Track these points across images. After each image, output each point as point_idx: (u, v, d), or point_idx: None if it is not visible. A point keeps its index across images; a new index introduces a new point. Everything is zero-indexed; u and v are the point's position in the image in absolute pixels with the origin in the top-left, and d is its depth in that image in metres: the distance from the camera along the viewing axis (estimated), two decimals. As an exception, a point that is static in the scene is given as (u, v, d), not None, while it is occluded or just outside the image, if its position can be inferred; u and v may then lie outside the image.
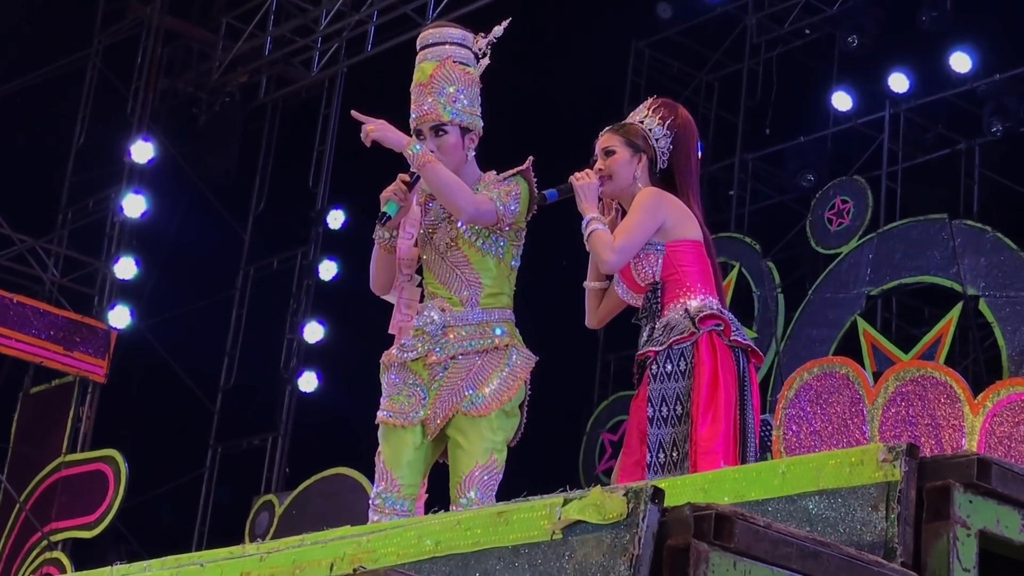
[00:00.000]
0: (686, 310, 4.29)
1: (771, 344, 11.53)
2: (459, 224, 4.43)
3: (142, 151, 12.79)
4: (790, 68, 12.92)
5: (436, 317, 4.39)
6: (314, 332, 13.01)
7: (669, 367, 4.24)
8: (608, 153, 4.55)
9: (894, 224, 11.39)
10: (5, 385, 12.54)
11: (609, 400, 12.92)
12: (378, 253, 4.53)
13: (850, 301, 11.30)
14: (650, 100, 4.64)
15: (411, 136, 4.48)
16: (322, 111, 13.39)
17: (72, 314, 12.17)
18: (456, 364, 4.38)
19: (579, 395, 13.08)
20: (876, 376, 9.13)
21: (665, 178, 4.54)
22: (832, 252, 11.62)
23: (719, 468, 3.95)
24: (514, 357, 4.41)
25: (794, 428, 9.17)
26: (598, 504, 2.17)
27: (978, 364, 10.70)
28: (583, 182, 4.49)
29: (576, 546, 2.19)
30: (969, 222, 10.90)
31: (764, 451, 9.62)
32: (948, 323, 10.71)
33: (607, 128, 4.61)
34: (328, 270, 13.22)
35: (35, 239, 12.70)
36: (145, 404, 12.76)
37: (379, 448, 4.43)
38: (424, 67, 4.52)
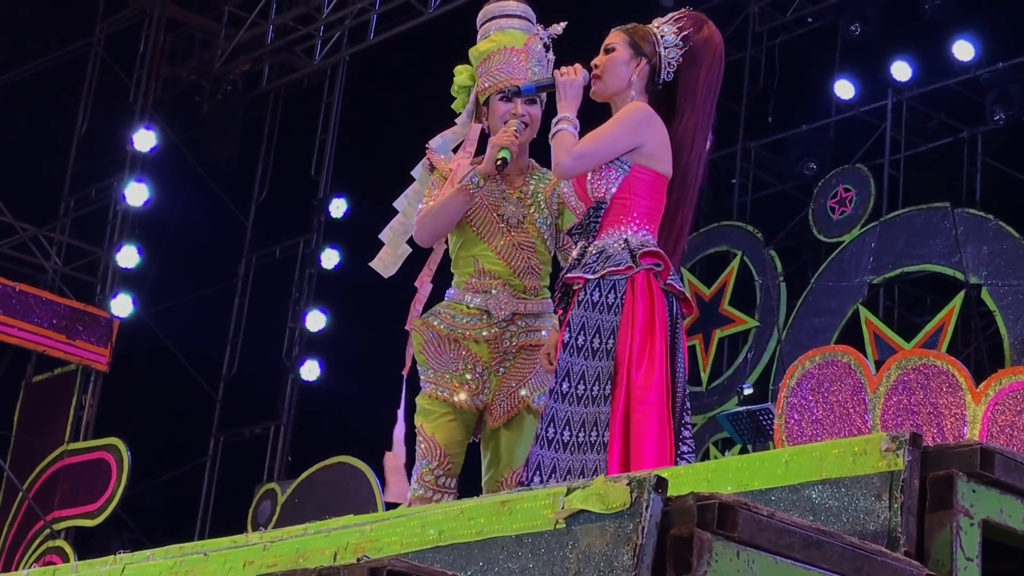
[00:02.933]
0: (626, 240, 3.91)
1: (773, 333, 11.53)
2: (529, 204, 4.38)
3: (144, 139, 12.79)
4: (792, 56, 12.90)
5: (509, 304, 4.32)
6: (316, 321, 13.02)
7: (597, 296, 3.88)
8: (608, 50, 4.11)
9: (896, 213, 11.39)
10: (7, 373, 12.56)
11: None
12: (458, 200, 4.31)
13: (852, 290, 11.31)
14: (681, 10, 4.18)
15: (489, 96, 4.42)
16: (324, 99, 13.39)
17: (75, 303, 12.18)
18: (522, 355, 4.33)
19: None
20: (878, 365, 9.13)
21: (666, 94, 4.09)
22: (834, 241, 11.63)
23: (653, 422, 3.76)
24: None
25: (796, 416, 9.16)
26: (601, 493, 2.18)
27: (980, 353, 10.71)
28: (567, 78, 4.10)
29: (580, 535, 2.19)
30: (971, 210, 10.90)
31: (765, 438, 9.62)
32: (950, 312, 10.71)
33: (619, 26, 4.19)
34: (330, 258, 13.23)
35: (37, 228, 12.71)
36: (147, 393, 12.77)
37: (423, 420, 4.32)
38: (515, 34, 4.48)
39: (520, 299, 4.34)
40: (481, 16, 4.59)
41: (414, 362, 4.48)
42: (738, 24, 12.81)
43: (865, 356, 9.49)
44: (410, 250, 4.65)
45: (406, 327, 4.47)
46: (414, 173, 4.59)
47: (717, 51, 4.11)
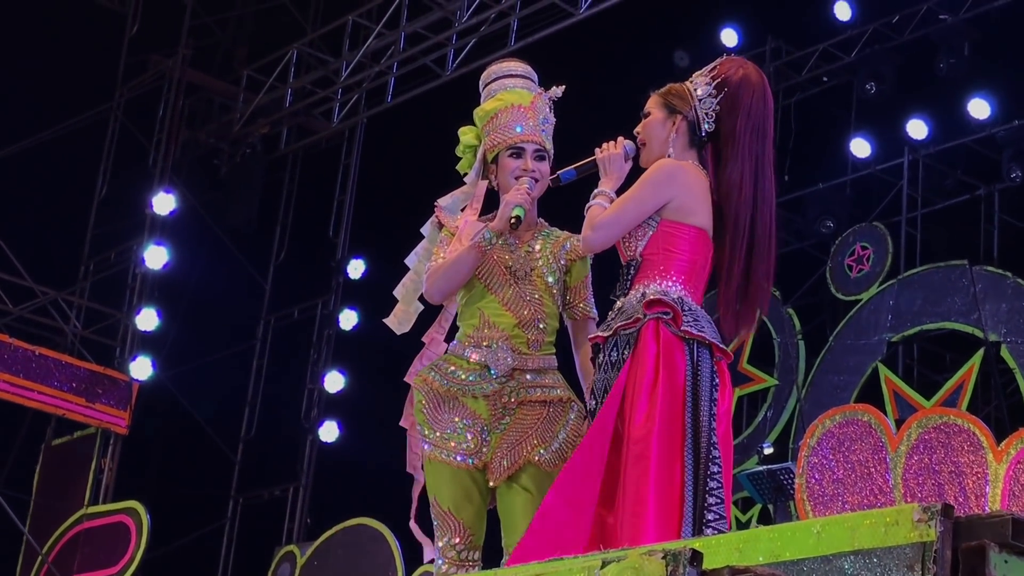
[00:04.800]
0: (643, 294, 3.88)
1: (792, 391, 11.52)
2: (537, 257, 4.37)
3: (164, 203, 12.86)
4: (808, 115, 12.96)
5: (509, 359, 4.28)
6: (335, 382, 13.03)
7: (614, 355, 3.88)
8: (644, 117, 4.12)
9: (914, 270, 11.40)
10: (27, 437, 12.57)
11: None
12: (470, 257, 4.29)
13: (871, 348, 11.30)
14: (718, 60, 4.12)
15: (498, 152, 4.44)
16: (342, 161, 13.48)
17: (94, 366, 12.21)
18: (523, 410, 4.27)
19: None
20: (898, 423, 9.10)
21: (715, 145, 4.03)
22: (852, 298, 11.63)
23: (648, 478, 3.70)
24: (574, 413, 4.29)
25: (816, 476, 9.13)
26: (636, 567, 2.18)
27: (1001, 411, 10.68)
28: (606, 153, 4.09)
29: (614, 609, 2.20)
30: (989, 268, 10.91)
31: (786, 498, 9.59)
32: (970, 369, 10.69)
33: (654, 91, 4.16)
34: (348, 319, 13.25)
35: (57, 291, 12.77)
36: (167, 455, 12.79)
37: (435, 492, 4.27)
38: (521, 92, 4.49)
39: (522, 354, 4.30)
40: (485, 77, 4.61)
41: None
42: (754, 84, 12.86)
43: (885, 415, 9.47)
44: (422, 307, 4.64)
45: (405, 379, 4.44)
46: (423, 231, 4.60)
47: (757, 89, 4.03)
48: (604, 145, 4.14)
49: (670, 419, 3.78)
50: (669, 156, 4.02)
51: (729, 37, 13.13)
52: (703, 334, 3.85)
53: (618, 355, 3.88)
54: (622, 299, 3.98)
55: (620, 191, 4.10)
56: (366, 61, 12.79)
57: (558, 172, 4.31)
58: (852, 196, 12.52)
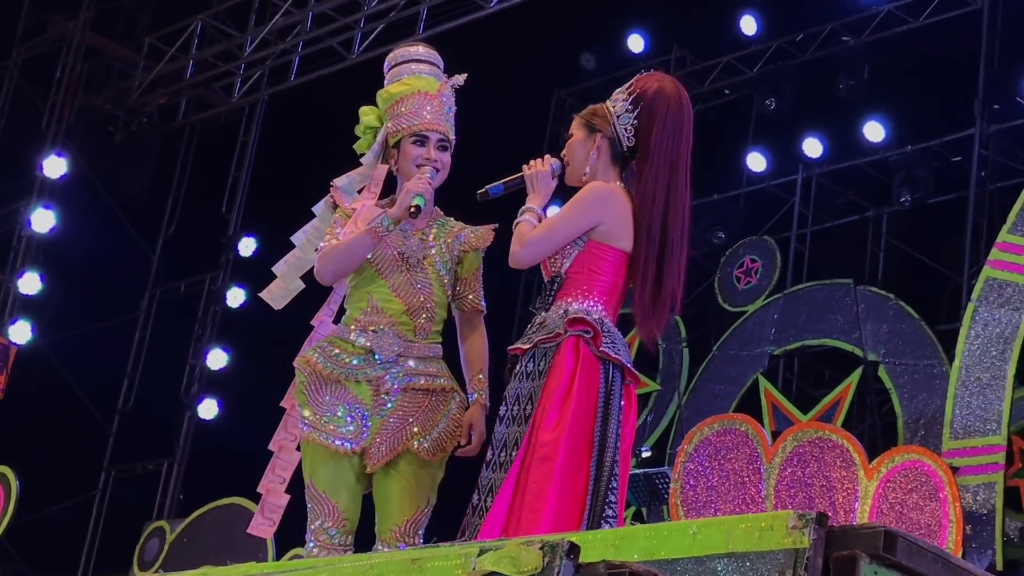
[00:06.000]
0: (565, 311, 3.98)
1: (674, 397, 11.62)
2: (430, 245, 4.36)
3: (54, 166, 12.66)
4: (708, 126, 13.06)
5: (395, 346, 4.25)
6: (217, 359, 12.92)
7: (530, 367, 3.97)
8: (568, 138, 4.22)
9: (800, 286, 11.56)
10: (-103, 393, 12.31)
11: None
12: (366, 241, 4.24)
13: (753, 359, 11.43)
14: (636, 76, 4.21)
15: (401, 138, 4.40)
16: (240, 137, 13.35)
17: (-29, 326, 12.01)
18: (405, 397, 4.25)
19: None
20: (775, 435, 9.23)
21: (637, 159, 4.12)
22: (739, 310, 11.76)
23: (552, 478, 3.79)
24: (455, 403, 4.29)
25: (691, 482, 9.23)
26: (513, 556, 2.19)
27: (874, 429, 10.85)
28: (533, 170, 4.17)
29: (489, 597, 2.21)
30: (873, 288, 11.08)
31: (660, 502, 9.68)
32: (847, 387, 10.86)
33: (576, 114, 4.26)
34: (236, 297, 13.14)
35: (-63, 249, 12.54)
36: (41, 422, 12.58)
37: (311, 474, 4.23)
38: (428, 80, 4.45)
39: (408, 341, 4.27)
40: (390, 60, 4.56)
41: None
42: (656, 91, 12.97)
43: (762, 426, 9.59)
44: (303, 286, 4.60)
45: (294, 363, 4.36)
46: (315, 209, 4.55)
47: (672, 100, 4.12)
48: (532, 162, 4.21)
49: (580, 431, 3.88)
50: (586, 174, 4.13)
51: (636, 43, 13.22)
52: (619, 357, 3.97)
53: (534, 367, 3.97)
54: (543, 313, 4.06)
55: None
56: (271, 38, 12.69)
57: (486, 187, 4.30)
58: (745, 209, 12.66)
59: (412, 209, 4.23)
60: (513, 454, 3.89)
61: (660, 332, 4.17)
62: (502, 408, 4.01)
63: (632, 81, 4.17)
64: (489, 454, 3.97)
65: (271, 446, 4.52)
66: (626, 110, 4.11)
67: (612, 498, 3.89)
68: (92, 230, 12.89)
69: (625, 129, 4.11)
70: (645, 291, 4.09)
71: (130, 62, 13.52)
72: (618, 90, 4.19)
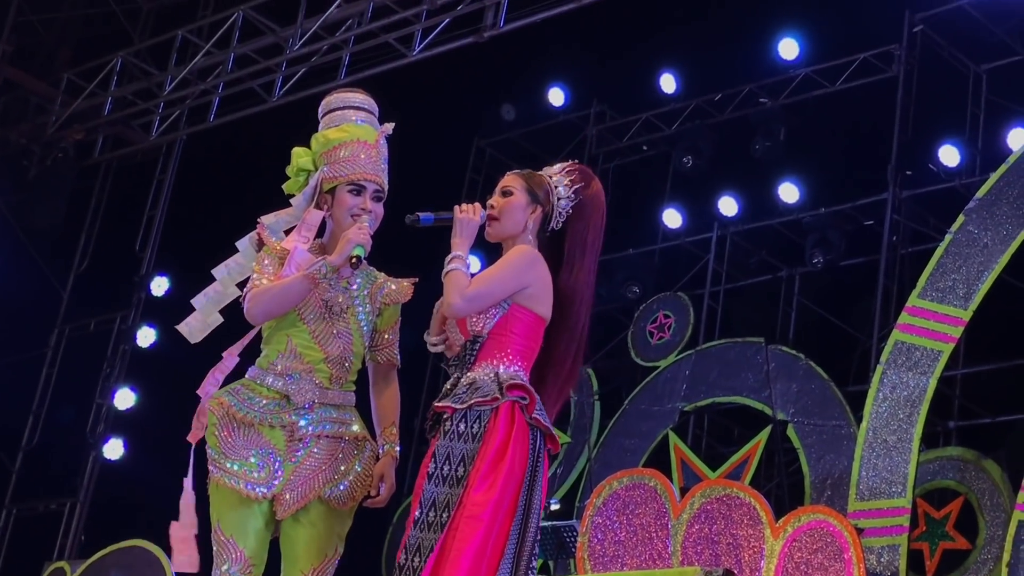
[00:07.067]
0: (496, 374, 4.06)
1: (584, 450, 11.63)
2: (355, 296, 4.34)
3: (-35, 198, 12.51)
4: (625, 181, 13.18)
5: (310, 392, 4.24)
6: (125, 399, 12.76)
7: (463, 427, 4.02)
8: (505, 193, 4.27)
9: (712, 343, 11.64)
10: None
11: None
12: (302, 286, 4.23)
13: (664, 414, 11.48)
14: (569, 162, 4.39)
15: (336, 185, 4.39)
16: (156, 176, 13.25)
17: None
18: (319, 444, 4.23)
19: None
20: (683, 491, 9.25)
21: (553, 242, 4.28)
22: (651, 364, 11.82)
23: (477, 536, 3.85)
24: (367, 453, 4.29)
25: (599, 536, 9.22)
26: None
27: (781, 488, 10.91)
28: (465, 215, 4.23)
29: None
30: (784, 348, 11.17)
31: (567, 555, 9.66)
32: (756, 445, 10.92)
33: (515, 170, 4.37)
34: (146, 337, 13.00)
35: None
36: (-59, 457, 12.38)
37: (219, 517, 4.18)
38: (367, 129, 4.44)
39: (324, 388, 4.25)
40: (326, 104, 4.54)
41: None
42: (576, 145, 13.07)
43: (671, 481, 9.62)
44: (221, 320, 4.56)
45: (198, 391, 4.34)
46: (239, 244, 4.51)
47: (602, 208, 4.32)
48: (465, 206, 4.26)
49: (509, 496, 3.96)
50: (525, 241, 4.24)
51: (556, 96, 13.32)
52: (547, 425, 4.09)
53: (467, 428, 4.02)
54: (468, 373, 4.11)
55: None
56: (192, 78, 12.62)
57: (418, 213, 4.31)
58: (660, 265, 12.75)
59: (353, 260, 4.23)
60: (444, 516, 3.94)
61: (560, 408, 4.31)
62: (431, 465, 4.03)
63: (573, 168, 4.32)
64: (417, 513, 3.98)
65: (190, 438, 4.41)
66: (567, 196, 4.26)
67: (534, 563, 3.99)
68: (2, 264, 12.72)
69: (560, 213, 4.26)
70: (560, 375, 4.25)
71: (47, 97, 13.39)
72: (559, 170, 4.32)
